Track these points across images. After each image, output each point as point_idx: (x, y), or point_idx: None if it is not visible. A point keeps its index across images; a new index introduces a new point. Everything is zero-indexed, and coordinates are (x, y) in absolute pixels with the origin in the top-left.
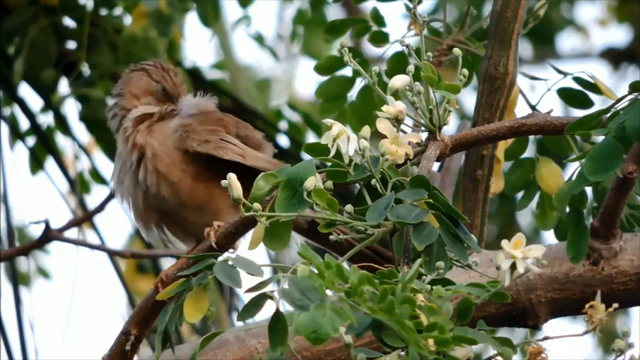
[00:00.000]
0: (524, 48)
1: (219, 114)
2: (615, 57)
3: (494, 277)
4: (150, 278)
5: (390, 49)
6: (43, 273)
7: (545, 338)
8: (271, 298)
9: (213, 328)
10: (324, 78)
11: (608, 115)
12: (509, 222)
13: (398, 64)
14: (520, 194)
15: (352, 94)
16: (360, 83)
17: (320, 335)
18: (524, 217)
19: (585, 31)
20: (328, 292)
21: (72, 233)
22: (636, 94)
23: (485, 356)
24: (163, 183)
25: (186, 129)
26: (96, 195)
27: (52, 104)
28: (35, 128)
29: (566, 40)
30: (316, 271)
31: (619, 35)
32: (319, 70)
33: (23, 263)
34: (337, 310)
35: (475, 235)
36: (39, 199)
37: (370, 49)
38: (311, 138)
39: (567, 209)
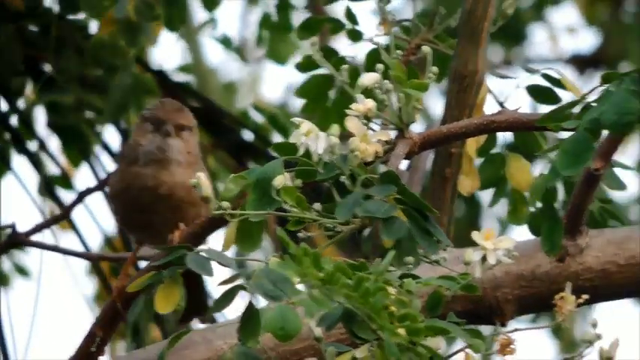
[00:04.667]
0: (494, 51)
1: None
2: (581, 63)
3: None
4: None
5: (363, 48)
6: (22, 271)
7: (515, 330)
8: (244, 289)
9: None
10: (300, 78)
11: (579, 108)
12: (475, 227)
13: (375, 62)
14: (486, 195)
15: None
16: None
17: (287, 331)
18: (490, 222)
19: (554, 37)
20: (300, 286)
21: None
22: (607, 85)
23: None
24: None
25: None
26: (65, 199)
27: (18, 109)
28: (1, 131)
29: (534, 47)
30: (292, 258)
31: (587, 41)
32: (300, 67)
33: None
34: (314, 297)
35: None
36: (9, 202)
37: (346, 49)
38: (277, 139)
39: (539, 203)
